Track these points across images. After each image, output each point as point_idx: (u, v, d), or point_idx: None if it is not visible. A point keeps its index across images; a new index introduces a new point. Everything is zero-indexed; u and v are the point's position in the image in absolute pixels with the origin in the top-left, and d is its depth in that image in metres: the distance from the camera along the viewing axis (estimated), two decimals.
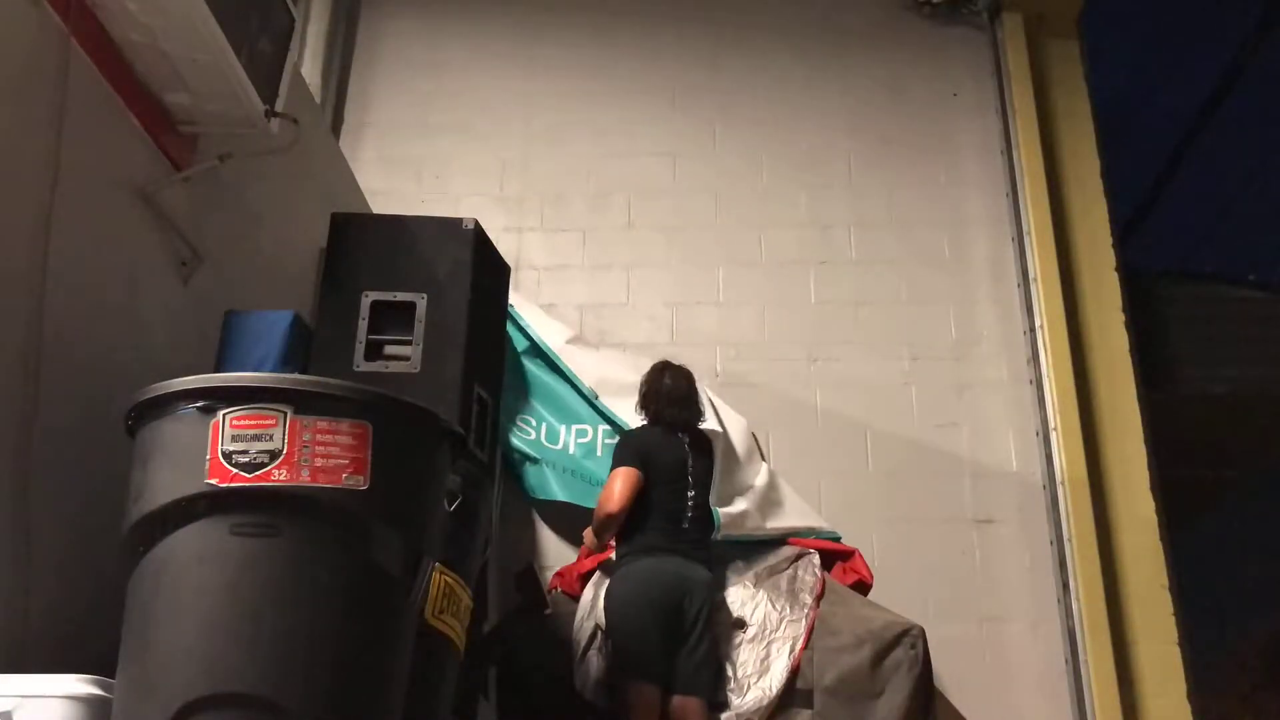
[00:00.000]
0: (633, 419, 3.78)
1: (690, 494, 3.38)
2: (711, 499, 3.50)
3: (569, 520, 4.03)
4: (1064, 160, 4.90)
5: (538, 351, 4.25)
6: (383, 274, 2.67)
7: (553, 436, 4.12)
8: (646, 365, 3.75)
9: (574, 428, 4.15)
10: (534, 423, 4.14)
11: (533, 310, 4.39)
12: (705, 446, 3.59)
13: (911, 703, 3.19)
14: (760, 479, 3.90)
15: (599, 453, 4.06)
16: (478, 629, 2.59)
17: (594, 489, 3.90)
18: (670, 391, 3.54)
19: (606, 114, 5.08)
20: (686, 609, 3.17)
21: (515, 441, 4.04)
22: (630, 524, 3.30)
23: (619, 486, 3.27)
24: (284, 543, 1.71)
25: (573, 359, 4.22)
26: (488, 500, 2.30)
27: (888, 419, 4.43)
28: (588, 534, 3.47)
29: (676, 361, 3.70)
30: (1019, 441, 4.39)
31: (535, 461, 4.04)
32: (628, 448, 3.43)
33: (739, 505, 3.67)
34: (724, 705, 3.15)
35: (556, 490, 3.99)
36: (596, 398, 4.12)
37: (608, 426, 4.11)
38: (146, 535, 1.73)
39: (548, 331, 4.30)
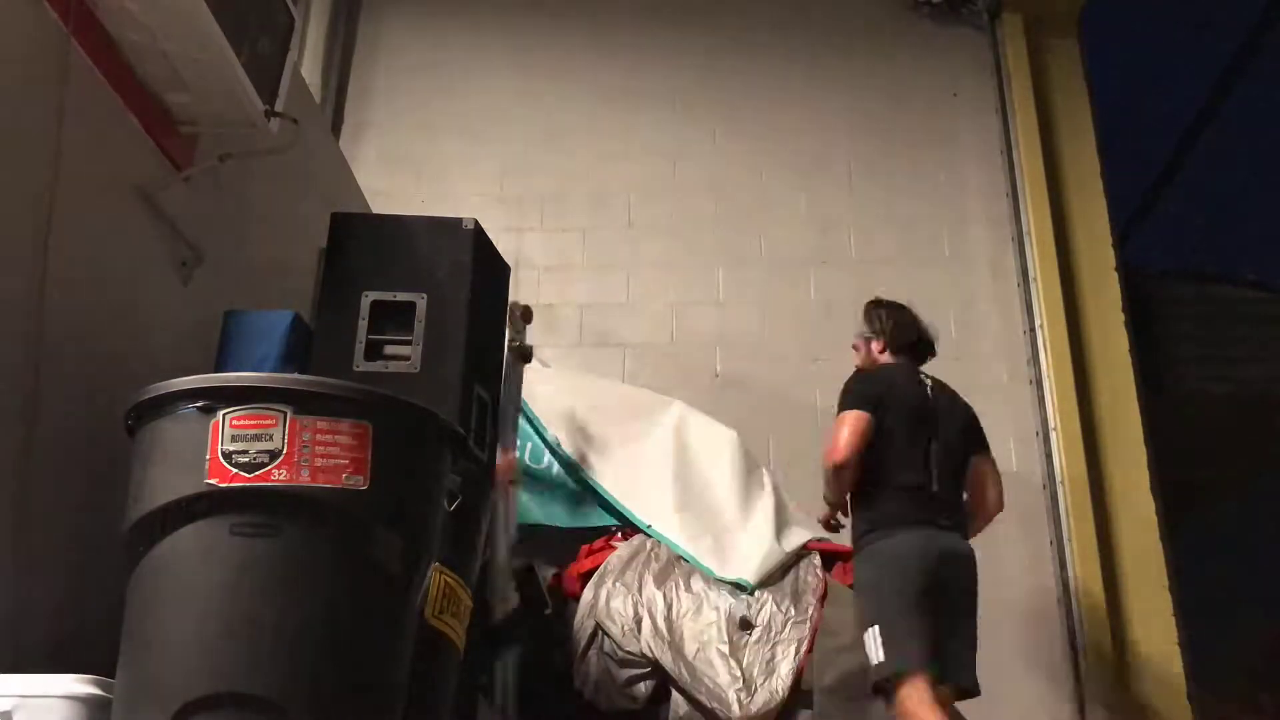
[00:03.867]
0: (599, 467, 3.71)
1: (934, 447, 3.10)
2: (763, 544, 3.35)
3: None
4: (1064, 160, 4.91)
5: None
6: (383, 274, 2.66)
7: (536, 456, 3.92)
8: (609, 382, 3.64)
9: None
10: (518, 442, 3.97)
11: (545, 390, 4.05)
12: (949, 394, 3.28)
13: None
14: (767, 505, 3.71)
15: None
16: (477, 629, 2.59)
17: (578, 509, 3.82)
18: (903, 319, 3.32)
19: (606, 114, 5.08)
20: (950, 587, 2.97)
21: None
22: (865, 489, 3.08)
23: (846, 433, 3.01)
24: (284, 543, 1.70)
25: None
26: (488, 500, 2.30)
27: None
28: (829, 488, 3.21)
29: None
30: (1019, 442, 4.39)
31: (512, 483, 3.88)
32: (858, 388, 3.15)
33: (759, 551, 3.47)
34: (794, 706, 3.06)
35: (537, 513, 3.80)
36: (559, 445, 3.89)
37: None
38: (146, 535, 1.73)
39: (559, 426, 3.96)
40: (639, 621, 3.27)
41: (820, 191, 4.90)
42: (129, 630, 1.72)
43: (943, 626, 2.93)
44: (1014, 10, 5.11)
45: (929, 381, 3.26)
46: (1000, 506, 3.29)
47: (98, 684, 1.68)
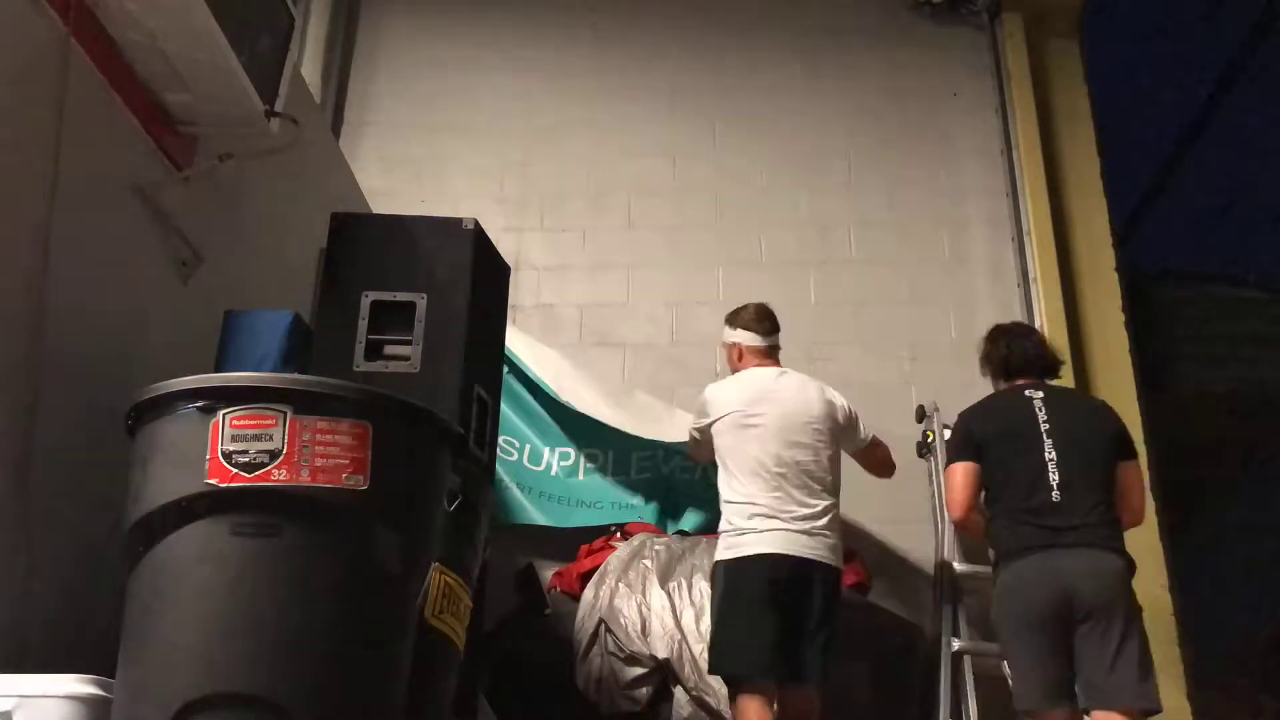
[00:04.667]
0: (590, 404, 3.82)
1: (1051, 458, 2.93)
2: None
3: None
4: (1064, 160, 4.91)
5: (521, 375, 4.10)
6: (383, 274, 2.66)
7: (535, 458, 4.04)
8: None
9: (558, 449, 4.08)
10: (517, 444, 4.03)
11: (525, 342, 4.19)
12: (1073, 403, 3.26)
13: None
14: None
15: (581, 475, 4.04)
16: (478, 629, 2.59)
17: (575, 510, 3.90)
18: (997, 350, 3.27)
19: (606, 114, 5.08)
20: (1090, 607, 2.77)
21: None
22: (987, 523, 3.04)
23: (955, 488, 3.05)
24: (284, 543, 1.71)
25: (577, 395, 4.05)
26: (488, 500, 2.30)
27: (888, 419, 4.40)
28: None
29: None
30: None
31: (509, 487, 3.92)
32: (952, 436, 3.21)
33: None
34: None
35: (536, 515, 3.92)
36: (546, 385, 4.00)
37: (590, 449, 4.07)
38: (146, 535, 1.73)
39: (545, 369, 4.11)
40: (644, 621, 3.27)
41: (820, 191, 4.90)
42: (129, 630, 1.72)
43: (1089, 652, 2.76)
44: (1014, 10, 5.10)
45: (1039, 395, 3.09)
46: (1137, 518, 3.05)
47: (98, 684, 1.68)
